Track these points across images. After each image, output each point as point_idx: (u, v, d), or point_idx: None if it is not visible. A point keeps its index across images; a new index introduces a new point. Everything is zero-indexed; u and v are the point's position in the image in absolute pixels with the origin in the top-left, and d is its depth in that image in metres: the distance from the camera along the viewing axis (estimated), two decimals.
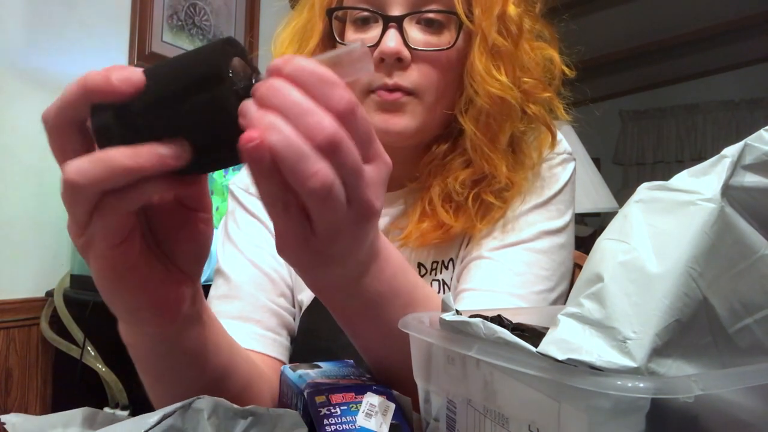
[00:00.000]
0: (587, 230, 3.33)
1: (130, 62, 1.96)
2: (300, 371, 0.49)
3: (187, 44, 2.14)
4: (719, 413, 0.29)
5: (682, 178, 0.32)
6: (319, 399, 0.43)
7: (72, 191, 0.34)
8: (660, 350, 0.28)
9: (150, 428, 0.35)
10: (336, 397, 0.43)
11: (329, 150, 0.33)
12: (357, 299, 0.46)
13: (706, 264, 0.29)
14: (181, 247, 0.41)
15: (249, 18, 2.37)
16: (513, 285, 0.67)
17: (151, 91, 0.33)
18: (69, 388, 1.66)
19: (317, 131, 0.32)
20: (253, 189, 0.79)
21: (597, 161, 3.55)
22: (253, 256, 0.74)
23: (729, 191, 0.30)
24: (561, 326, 0.30)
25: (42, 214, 1.73)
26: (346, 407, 0.43)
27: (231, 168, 1.46)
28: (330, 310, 0.49)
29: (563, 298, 0.71)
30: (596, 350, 0.28)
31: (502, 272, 0.68)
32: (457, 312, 0.38)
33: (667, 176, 0.32)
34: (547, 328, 0.32)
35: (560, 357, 0.29)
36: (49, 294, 1.70)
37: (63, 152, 0.36)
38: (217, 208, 1.65)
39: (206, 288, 0.57)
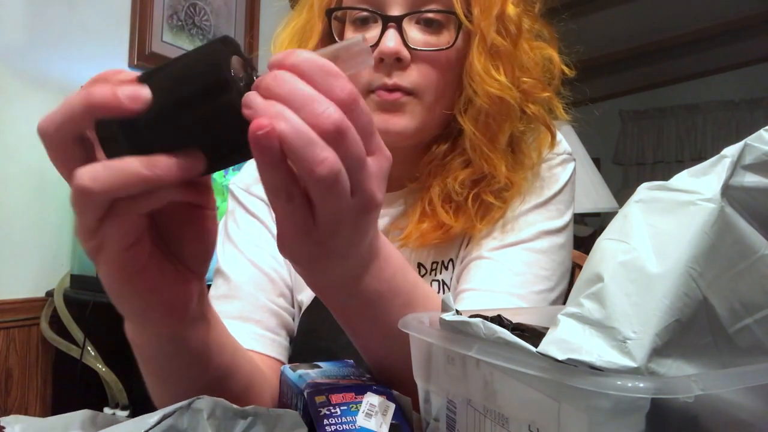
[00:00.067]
0: (587, 230, 3.33)
1: (130, 62, 1.96)
2: (300, 371, 0.49)
3: (187, 44, 2.14)
4: (719, 413, 0.29)
5: (682, 178, 0.32)
6: (319, 399, 0.43)
7: (84, 197, 0.33)
8: (660, 350, 0.28)
9: (150, 428, 0.35)
10: (336, 397, 0.43)
11: (336, 137, 0.33)
12: (357, 298, 0.46)
13: (706, 264, 0.29)
14: (188, 245, 0.41)
15: (249, 18, 2.37)
16: (513, 285, 0.67)
17: (157, 103, 0.33)
18: (69, 388, 1.67)
19: (324, 118, 0.33)
20: (253, 189, 0.79)
21: (597, 161, 3.55)
22: (253, 256, 0.74)
23: (729, 191, 0.30)
24: (561, 326, 0.30)
25: (42, 214, 1.73)
26: (346, 407, 0.43)
27: (231, 168, 1.46)
28: (330, 309, 0.49)
29: (562, 298, 0.71)
30: (596, 350, 0.28)
31: (502, 272, 0.68)
32: (457, 312, 0.38)
33: (667, 176, 0.32)
34: (547, 328, 0.32)
35: (560, 357, 0.29)
36: (49, 294, 1.70)
37: (66, 163, 0.35)
38: (217, 208, 1.65)
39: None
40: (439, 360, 0.40)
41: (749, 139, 0.31)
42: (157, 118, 0.33)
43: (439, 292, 0.73)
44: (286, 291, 0.76)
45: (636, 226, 0.32)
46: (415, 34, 0.67)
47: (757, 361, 0.31)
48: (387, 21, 0.66)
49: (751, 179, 0.31)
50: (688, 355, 0.29)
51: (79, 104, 0.33)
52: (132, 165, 0.33)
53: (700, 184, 0.31)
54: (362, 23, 0.69)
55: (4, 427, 0.38)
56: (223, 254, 0.76)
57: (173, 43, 2.09)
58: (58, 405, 1.73)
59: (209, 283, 0.74)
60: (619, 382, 0.26)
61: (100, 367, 1.56)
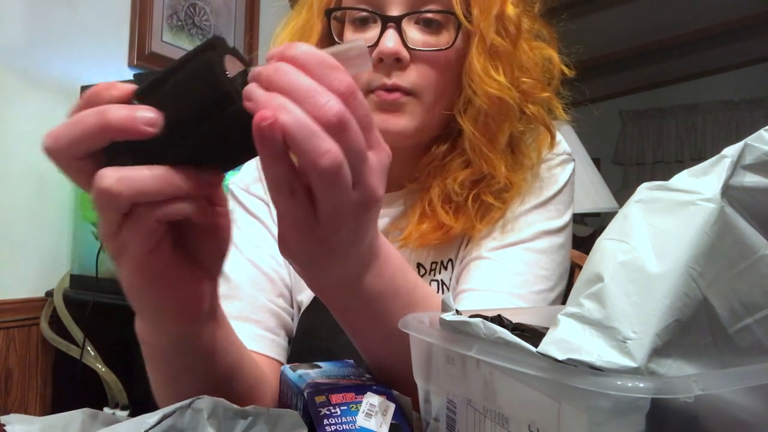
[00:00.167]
0: (587, 230, 3.33)
1: (130, 62, 1.96)
2: (300, 371, 0.49)
3: (187, 44, 2.14)
4: (719, 413, 0.29)
5: (682, 178, 0.32)
6: (319, 399, 0.43)
7: (104, 198, 0.34)
8: (660, 350, 0.28)
9: (150, 428, 0.35)
10: (336, 397, 0.43)
11: (338, 129, 0.33)
12: (358, 299, 0.46)
13: (706, 264, 0.29)
14: (203, 244, 0.41)
15: (249, 18, 2.37)
16: (512, 285, 0.67)
17: (164, 123, 0.34)
18: (69, 388, 1.66)
19: (326, 110, 0.33)
20: (252, 188, 0.79)
21: (597, 161, 3.55)
22: (253, 256, 0.74)
23: (729, 191, 0.30)
24: (561, 326, 0.30)
25: (42, 214, 1.73)
26: (346, 407, 0.43)
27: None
28: (331, 310, 0.49)
29: (562, 298, 0.71)
30: (596, 350, 0.28)
31: (502, 272, 0.68)
32: (457, 312, 0.38)
33: (667, 176, 0.32)
34: (547, 328, 0.32)
35: (560, 357, 0.29)
36: (49, 294, 1.70)
37: (77, 176, 0.36)
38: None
39: None
40: (439, 360, 0.40)
41: (749, 139, 0.31)
42: (163, 135, 0.34)
43: (438, 293, 0.73)
44: (285, 291, 0.76)
45: (636, 226, 0.32)
46: (414, 34, 0.67)
47: (757, 361, 0.31)
48: (386, 21, 0.66)
49: (751, 179, 0.31)
50: (688, 355, 0.29)
51: (95, 125, 0.33)
52: (156, 173, 0.34)
53: (700, 184, 0.31)
54: (361, 23, 0.69)
55: (4, 427, 0.38)
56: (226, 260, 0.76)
57: (173, 43, 2.09)
58: (57, 405, 1.73)
59: None
60: (619, 382, 0.26)
61: (100, 367, 1.56)
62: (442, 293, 0.74)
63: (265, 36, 2.35)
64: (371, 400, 0.44)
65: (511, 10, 0.68)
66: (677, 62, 4.32)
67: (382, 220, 0.76)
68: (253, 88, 0.33)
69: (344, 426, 0.42)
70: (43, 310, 1.69)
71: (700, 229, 0.30)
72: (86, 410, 0.42)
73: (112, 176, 0.34)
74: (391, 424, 0.43)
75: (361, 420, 0.42)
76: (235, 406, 0.39)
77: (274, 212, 0.78)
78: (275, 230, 0.77)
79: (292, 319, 0.77)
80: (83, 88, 1.73)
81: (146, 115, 0.33)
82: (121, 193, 0.33)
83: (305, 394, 0.44)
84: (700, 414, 0.28)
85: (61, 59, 1.77)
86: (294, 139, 0.32)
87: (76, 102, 0.36)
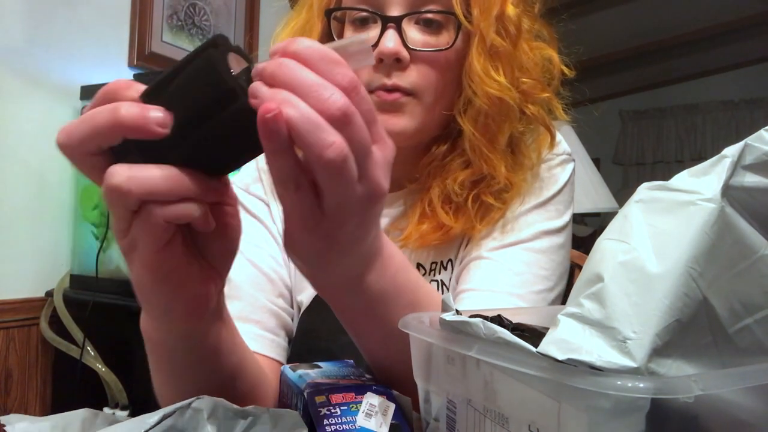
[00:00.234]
0: (587, 230, 3.33)
1: (130, 62, 1.96)
2: (300, 371, 0.49)
3: (186, 44, 2.14)
4: (719, 413, 0.29)
5: (683, 178, 0.32)
6: (319, 399, 0.43)
7: (116, 195, 0.34)
8: (660, 350, 0.28)
9: (150, 428, 0.35)
10: (336, 397, 0.43)
11: (342, 122, 0.33)
12: (361, 297, 0.46)
13: (706, 264, 0.29)
14: (212, 243, 0.42)
15: (249, 18, 2.37)
16: (512, 285, 0.67)
17: (172, 123, 0.34)
18: (69, 388, 1.66)
19: (330, 104, 0.33)
20: (252, 188, 0.79)
21: (597, 161, 3.55)
22: (253, 256, 0.74)
23: (729, 191, 0.30)
24: (561, 326, 0.30)
25: (42, 214, 1.73)
26: (346, 407, 0.43)
27: None
28: (334, 309, 0.49)
29: (561, 298, 0.71)
30: (596, 350, 0.28)
31: (502, 272, 0.68)
32: (457, 312, 0.38)
33: (666, 176, 0.32)
34: (547, 328, 0.32)
35: (560, 357, 0.29)
36: (49, 294, 1.70)
37: (89, 171, 0.36)
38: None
39: None
40: (439, 360, 0.40)
41: (749, 139, 0.31)
42: (171, 135, 0.34)
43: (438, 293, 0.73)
44: (285, 291, 0.76)
45: (636, 226, 0.32)
46: (414, 34, 0.67)
47: (757, 361, 0.31)
48: (386, 21, 0.66)
49: (751, 179, 0.31)
50: (688, 355, 0.29)
51: (108, 123, 0.34)
52: (166, 173, 0.34)
53: (701, 184, 0.31)
54: (361, 23, 0.69)
55: (4, 427, 0.38)
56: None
57: (173, 43, 2.09)
58: (57, 405, 1.73)
59: None
60: (619, 382, 0.26)
61: (100, 367, 1.56)
62: (442, 293, 0.73)
63: (265, 36, 2.34)
64: (371, 400, 0.44)
65: (511, 10, 0.68)
66: (677, 62, 4.32)
67: (382, 221, 0.76)
68: (257, 86, 0.33)
69: (344, 426, 0.42)
70: (43, 310, 1.69)
71: (700, 229, 0.30)
72: (86, 410, 0.42)
73: (122, 174, 0.34)
74: (391, 424, 0.43)
75: (361, 420, 0.42)
76: (235, 406, 0.39)
77: (274, 212, 0.78)
78: (275, 230, 0.77)
79: (292, 320, 0.77)
80: (83, 88, 1.73)
81: (157, 116, 0.33)
82: (131, 191, 0.34)
83: (305, 394, 0.44)
84: (700, 414, 0.28)
85: (61, 59, 1.77)
86: (299, 133, 0.32)
87: (95, 97, 0.36)
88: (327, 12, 0.71)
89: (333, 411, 0.42)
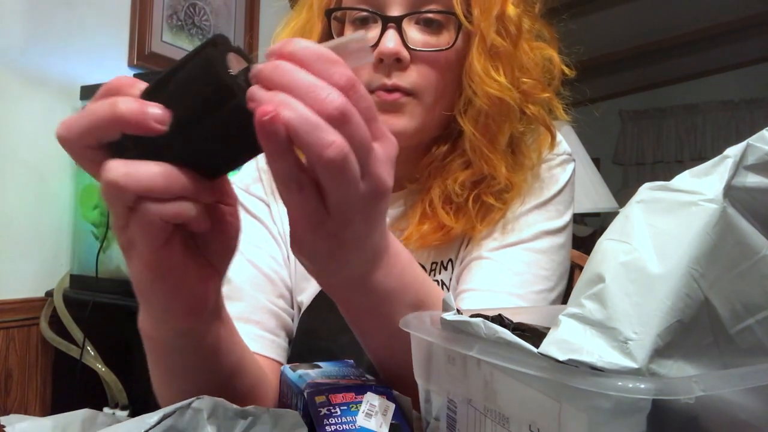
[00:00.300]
0: (587, 230, 3.33)
1: (130, 62, 1.96)
2: (300, 371, 0.49)
3: (186, 44, 2.14)
4: (720, 414, 0.29)
5: (684, 179, 0.32)
6: (319, 399, 0.43)
7: (113, 190, 0.34)
8: (661, 351, 0.28)
9: (150, 428, 0.35)
10: (336, 397, 0.43)
11: (341, 121, 0.33)
12: (368, 295, 0.46)
13: (707, 264, 0.29)
14: (212, 241, 0.42)
15: (249, 18, 2.37)
16: (512, 285, 0.67)
17: (170, 120, 0.34)
18: (69, 388, 1.66)
19: (327, 103, 0.33)
20: (252, 188, 0.79)
21: (597, 161, 3.55)
22: (253, 257, 0.74)
23: (731, 192, 0.30)
24: (562, 327, 0.30)
25: (42, 214, 1.72)
26: (346, 407, 0.43)
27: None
28: (340, 308, 0.49)
29: (562, 298, 0.71)
30: (597, 351, 0.28)
31: (502, 272, 0.68)
32: (458, 311, 0.38)
33: (667, 176, 0.32)
34: (548, 328, 0.32)
35: (561, 357, 0.29)
36: (49, 294, 1.70)
37: (88, 165, 0.37)
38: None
39: None
40: (440, 360, 0.40)
41: (751, 140, 0.31)
42: (170, 132, 0.34)
43: None
44: (285, 292, 0.76)
45: (637, 227, 0.31)
46: (414, 34, 0.67)
47: (759, 361, 0.30)
48: (386, 21, 0.66)
49: (753, 180, 0.31)
50: (690, 356, 0.29)
51: (107, 116, 0.34)
52: (163, 169, 0.34)
53: (702, 185, 0.31)
54: (362, 23, 0.69)
55: (4, 427, 0.38)
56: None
57: (173, 43, 2.09)
58: (57, 405, 1.73)
59: None
60: (620, 383, 0.26)
61: (100, 367, 1.56)
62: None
63: (265, 36, 2.34)
64: (371, 400, 0.44)
65: (511, 10, 0.68)
66: (677, 62, 4.32)
67: None
68: (254, 89, 0.33)
69: (344, 426, 0.42)
70: (43, 310, 1.69)
71: (701, 229, 0.30)
72: (86, 411, 0.42)
73: (119, 169, 0.34)
74: (391, 424, 0.43)
75: (361, 420, 0.42)
76: (235, 406, 0.39)
77: (275, 212, 0.78)
78: (275, 230, 0.77)
79: (293, 320, 0.77)
80: (83, 88, 1.73)
81: (156, 112, 0.33)
82: (127, 186, 0.34)
83: (305, 394, 0.44)
84: (701, 415, 0.28)
85: (61, 59, 1.77)
86: (297, 134, 0.32)
87: (98, 92, 0.36)
88: (327, 12, 0.71)
89: (333, 411, 0.42)
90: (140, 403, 1.49)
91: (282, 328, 0.74)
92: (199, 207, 0.36)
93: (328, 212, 0.37)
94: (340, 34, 0.72)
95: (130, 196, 0.34)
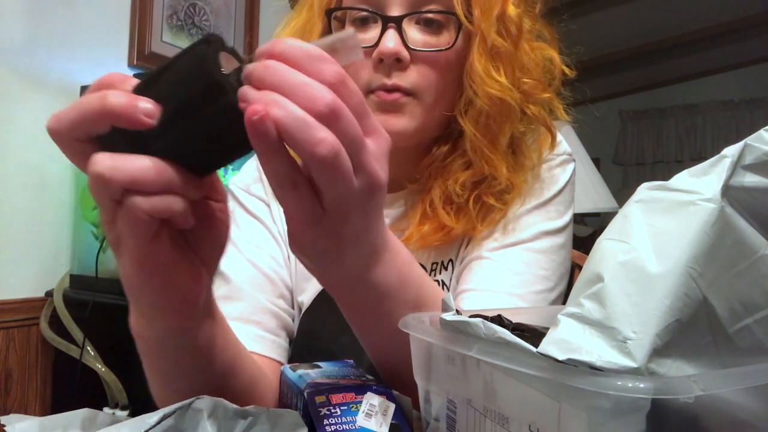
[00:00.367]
0: (587, 230, 3.33)
1: (130, 62, 1.96)
2: (300, 371, 0.49)
3: (186, 44, 2.11)
4: (719, 413, 0.29)
5: (682, 178, 0.32)
6: (319, 399, 0.43)
7: (99, 182, 0.34)
8: (660, 350, 0.28)
9: (150, 428, 0.35)
10: (336, 397, 0.43)
11: (331, 118, 0.33)
12: (369, 293, 0.46)
13: (706, 264, 0.29)
14: (201, 238, 0.42)
15: (249, 18, 2.37)
16: (512, 285, 0.67)
17: (159, 115, 0.34)
18: (69, 388, 1.66)
19: (317, 100, 0.33)
20: (252, 189, 0.79)
21: (597, 161, 3.55)
22: (253, 257, 0.74)
23: (729, 191, 0.30)
24: (561, 326, 0.30)
25: (42, 214, 1.73)
26: (346, 407, 0.43)
27: (231, 168, 1.46)
28: (341, 306, 0.49)
29: (562, 298, 0.71)
30: (596, 350, 0.28)
31: (502, 272, 0.68)
32: (458, 312, 0.38)
33: (666, 176, 0.32)
34: (548, 328, 0.32)
35: (560, 357, 0.29)
36: (49, 294, 1.70)
37: (77, 159, 0.36)
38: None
39: None
40: (440, 360, 0.40)
41: (749, 139, 0.31)
42: (159, 128, 0.34)
43: None
44: (286, 292, 0.76)
45: (636, 226, 0.32)
46: (414, 34, 0.67)
47: (757, 361, 0.31)
48: (387, 21, 0.66)
49: (751, 179, 0.31)
50: (688, 356, 0.29)
51: (96, 109, 0.34)
52: (149, 163, 0.34)
53: (701, 184, 0.31)
54: (362, 23, 0.69)
55: (4, 427, 0.38)
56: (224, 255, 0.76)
57: (173, 43, 2.09)
58: (57, 405, 1.73)
59: None
60: (619, 383, 0.26)
61: (100, 367, 1.56)
62: None
63: (265, 36, 2.34)
64: (371, 400, 0.44)
65: (512, 10, 0.68)
66: (677, 62, 4.32)
67: None
68: (245, 89, 0.34)
69: (344, 426, 0.42)
70: (43, 310, 1.69)
71: (700, 229, 0.30)
72: (86, 410, 0.42)
73: (105, 162, 0.34)
74: (391, 424, 0.43)
75: (361, 420, 0.42)
76: (235, 406, 0.39)
77: (275, 212, 0.78)
78: (276, 230, 0.77)
79: (293, 320, 0.77)
80: (83, 88, 1.73)
81: (145, 106, 0.34)
82: (113, 179, 0.34)
83: (305, 394, 0.44)
84: (701, 414, 0.28)
85: (61, 59, 1.77)
86: (287, 132, 0.33)
87: (90, 87, 0.36)
88: (327, 12, 0.71)
89: (333, 411, 0.42)
90: (140, 403, 1.49)
91: (282, 328, 0.74)
92: (186, 203, 0.36)
93: (324, 210, 0.37)
94: None
95: (116, 189, 0.34)
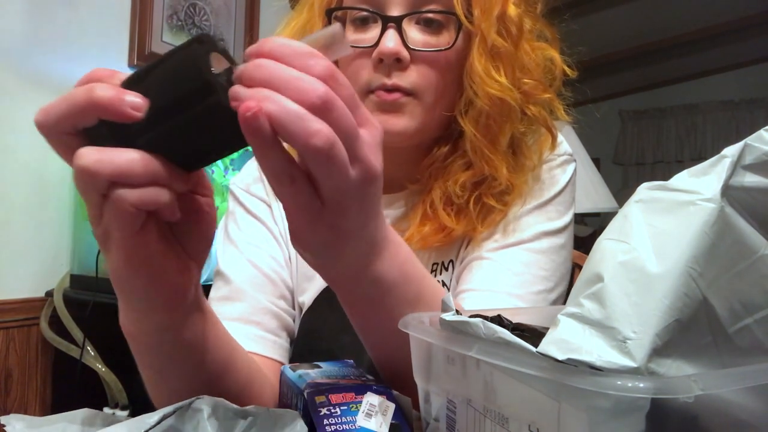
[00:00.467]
0: (587, 230, 3.33)
1: (130, 62, 1.96)
2: (300, 371, 0.49)
3: None
4: (719, 413, 0.29)
5: (682, 178, 0.32)
6: (319, 399, 0.43)
7: (85, 176, 0.35)
8: (660, 350, 0.28)
9: (150, 428, 0.35)
10: (336, 397, 0.43)
11: (324, 109, 0.34)
12: (371, 287, 0.46)
13: (706, 264, 0.29)
14: (188, 232, 0.42)
15: (249, 18, 2.37)
16: (512, 285, 0.67)
17: (147, 110, 0.35)
18: (69, 388, 1.66)
19: (309, 92, 0.33)
20: (253, 189, 0.79)
21: (597, 161, 3.55)
22: (253, 257, 0.74)
23: (729, 191, 0.30)
24: (561, 326, 0.30)
25: (42, 214, 1.73)
26: (346, 407, 0.43)
27: (232, 168, 1.46)
28: (342, 302, 0.49)
29: (563, 299, 0.71)
30: (596, 350, 0.28)
31: (502, 272, 0.68)
32: (457, 312, 0.38)
33: (666, 176, 0.32)
34: (547, 328, 0.32)
35: (560, 357, 0.29)
36: (49, 294, 1.70)
37: (64, 152, 0.37)
38: (217, 208, 1.65)
39: (206, 288, 0.57)
40: (439, 360, 0.40)
41: (749, 139, 0.31)
42: (146, 122, 0.34)
43: None
44: (286, 292, 0.76)
45: (636, 226, 0.32)
46: (414, 34, 0.67)
47: (757, 361, 0.31)
48: (387, 21, 0.66)
49: (751, 179, 0.31)
50: (688, 355, 0.29)
51: (83, 102, 0.34)
52: (134, 156, 0.34)
53: (700, 184, 0.31)
54: (362, 23, 0.69)
55: (4, 427, 0.38)
56: (224, 255, 0.76)
57: (173, 43, 2.08)
58: (57, 405, 1.73)
59: (209, 284, 0.74)
60: (619, 382, 0.26)
61: (100, 367, 1.56)
62: None
63: (265, 36, 2.33)
64: (371, 400, 0.44)
65: (512, 10, 0.68)
66: (677, 62, 4.32)
67: None
68: (236, 88, 0.34)
69: (344, 426, 0.42)
70: (43, 310, 1.69)
71: (700, 229, 0.30)
72: (86, 410, 0.42)
73: (91, 155, 0.34)
74: (391, 424, 0.43)
75: (361, 420, 0.42)
76: (235, 406, 0.39)
77: (276, 212, 0.78)
78: (277, 231, 0.77)
79: (294, 321, 0.77)
80: None
81: (132, 99, 0.34)
82: (98, 172, 0.34)
83: (305, 394, 0.44)
84: (700, 414, 0.28)
85: (61, 59, 1.77)
86: (282, 126, 0.33)
87: (77, 82, 0.37)
88: (328, 12, 0.71)
89: (333, 411, 0.42)
90: (140, 403, 1.49)
91: (283, 328, 0.74)
92: (172, 194, 0.36)
93: (322, 203, 0.37)
94: None
95: (102, 182, 0.34)
